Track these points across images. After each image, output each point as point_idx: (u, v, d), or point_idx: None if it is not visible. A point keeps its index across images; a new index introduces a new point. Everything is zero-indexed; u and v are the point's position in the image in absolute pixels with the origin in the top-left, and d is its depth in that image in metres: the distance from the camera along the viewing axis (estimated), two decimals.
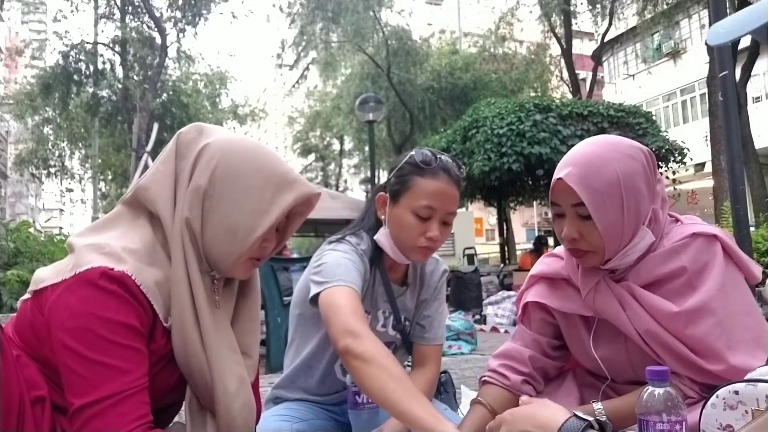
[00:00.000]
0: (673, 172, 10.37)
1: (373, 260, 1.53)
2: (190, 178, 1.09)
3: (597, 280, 1.32)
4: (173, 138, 1.14)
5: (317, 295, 1.35)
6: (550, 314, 1.45)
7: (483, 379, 1.46)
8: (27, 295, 1.07)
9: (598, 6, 16.66)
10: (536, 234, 12.94)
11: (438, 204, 1.43)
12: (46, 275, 1.04)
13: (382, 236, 1.50)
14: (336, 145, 27.86)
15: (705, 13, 17.25)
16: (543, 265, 1.48)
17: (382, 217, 1.51)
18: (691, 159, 11.03)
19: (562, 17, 16.53)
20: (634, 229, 1.24)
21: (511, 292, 7.24)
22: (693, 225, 1.31)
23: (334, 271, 1.37)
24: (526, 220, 32.96)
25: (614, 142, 1.27)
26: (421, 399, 1.13)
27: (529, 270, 1.47)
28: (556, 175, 1.26)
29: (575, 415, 0.99)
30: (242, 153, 1.10)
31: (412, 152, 1.49)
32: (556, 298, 1.41)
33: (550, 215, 1.40)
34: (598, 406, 1.30)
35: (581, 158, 1.24)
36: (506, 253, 14.31)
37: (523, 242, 24.70)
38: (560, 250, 1.45)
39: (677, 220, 1.36)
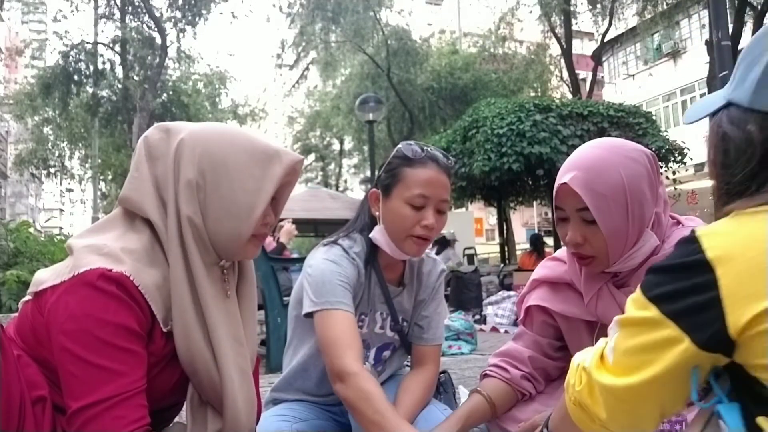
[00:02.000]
0: (673, 172, 10.36)
1: (368, 261, 1.52)
2: (175, 176, 1.09)
3: (599, 287, 1.32)
4: (140, 143, 1.15)
5: (311, 313, 1.41)
6: (552, 317, 1.45)
7: (483, 373, 1.48)
8: (27, 297, 1.07)
9: (598, 6, 16.65)
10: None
11: (430, 191, 1.44)
12: (45, 277, 1.04)
13: (377, 233, 1.50)
14: (336, 145, 27.83)
15: (705, 13, 17.25)
16: (545, 268, 1.48)
17: (376, 213, 1.51)
18: (691, 159, 11.02)
19: (562, 17, 16.51)
20: (638, 233, 1.24)
21: (511, 292, 7.23)
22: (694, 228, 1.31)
23: (322, 289, 1.40)
24: (526, 220, 32.94)
25: (618, 145, 1.27)
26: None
27: (528, 270, 1.47)
28: (559, 180, 1.25)
29: None
30: (220, 138, 1.11)
31: (399, 146, 1.51)
32: (558, 302, 1.41)
33: (550, 215, 1.40)
34: None
35: (585, 162, 1.23)
36: (506, 253, 14.29)
37: (523, 242, 24.67)
38: (562, 253, 1.45)
39: (678, 222, 1.36)
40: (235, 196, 1.08)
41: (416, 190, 1.43)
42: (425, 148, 1.48)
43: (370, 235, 1.51)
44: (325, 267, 1.44)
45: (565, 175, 1.24)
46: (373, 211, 1.52)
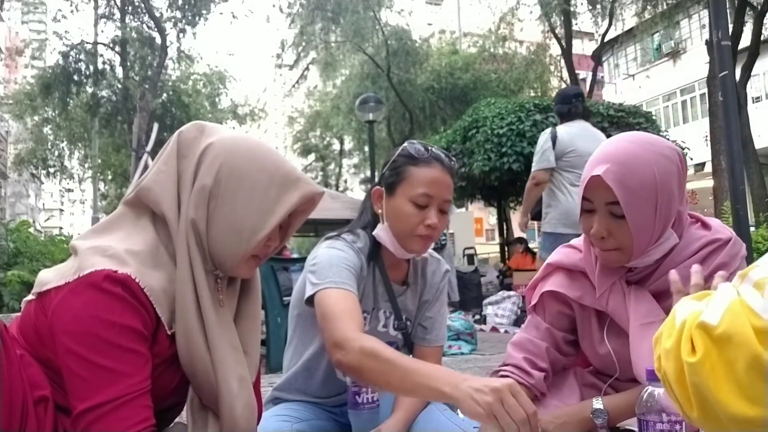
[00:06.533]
0: None
1: (371, 258, 1.53)
2: (194, 177, 1.08)
3: (613, 281, 1.32)
4: (173, 137, 1.14)
5: (312, 296, 1.37)
6: (568, 306, 1.43)
7: (503, 373, 1.41)
8: (31, 297, 1.07)
9: (598, 6, 16.65)
10: (535, 234, 12.82)
11: (434, 191, 1.45)
12: (49, 277, 1.04)
13: (380, 231, 1.50)
14: (336, 145, 27.82)
15: (705, 13, 17.25)
16: (560, 255, 1.45)
17: (379, 211, 1.51)
18: (691, 159, 11.06)
19: (562, 17, 16.49)
20: (662, 231, 1.24)
21: (511, 292, 7.23)
22: (714, 232, 1.30)
23: (326, 272, 1.38)
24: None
25: (652, 141, 1.26)
26: (421, 372, 1.12)
27: (526, 270, 1.46)
28: (591, 171, 1.23)
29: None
30: (246, 152, 1.10)
31: (404, 145, 1.52)
32: (574, 289, 1.39)
33: None
34: (598, 401, 1.31)
35: (619, 156, 1.22)
36: (506, 253, 14.29)
37: None
38: (578, 242, 1.44)
39: (697, 221, 1.35)
40: (244, 213, 1.08)
41: (420, 189, 1.44)
42: (430, 148, 1.49)
43: (374, 233, 1.51)
44: (332, 253, 1.44)
45: (597, 167, 1.22)
46: (376, 208, 1.53)
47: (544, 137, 3.94)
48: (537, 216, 4.19)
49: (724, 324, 0.63)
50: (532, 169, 4.00)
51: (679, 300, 0.92)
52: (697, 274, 1.00)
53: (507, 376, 1.39)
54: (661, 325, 0.78)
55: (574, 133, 3.89)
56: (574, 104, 4.01)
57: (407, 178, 1.46)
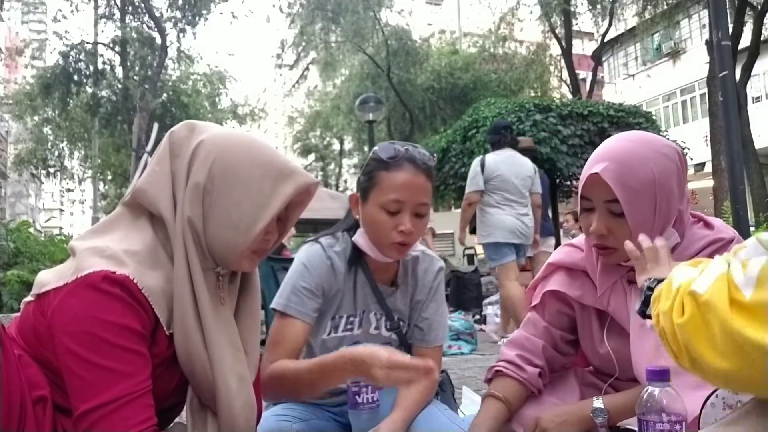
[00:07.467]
0: None
1: (352, 261, 1.52)
2: (187, 176, 1.08)
3: (614, 281, 1.32)
4: (165, 137, 1.14)
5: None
6: (568, 305, 1.43)
7: (496, 369, 1.42)
8: (30, 298, 1.07)
9: (599, 6, 16.66)
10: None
11: (405, 196, 1.40)
12: (48, 278, 1.03)
13: (359, 236, 1.49)
14: (336, 145, 27.84)
15: (705, 13, 17.25)
16: (562, 254, 1.45)
17: (357, 217, 1.50)
18: (691, 159, 11.05)
19: (562, 17, 16.51)
20: (662, 229, 1.24)
21: None
22: (717, 231, 1.30)
23: (283, 290, 1.49)
24: None
25: (651, 139, 1.26)
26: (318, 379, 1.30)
27: (525, 270, 1.46)
28: (589, 169, 1.24)
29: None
30: (238, 147, 1.10)
31: (376, 147, 1.49)
32: (575, 288, 1.40)
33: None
34: (598, 400, 1.31)
35: (618, 154, 1.22)
36: None
37: None
38: (578, 241, 1.44)
39: (699, 220, 1.35)
40: (239, 208, 1.08)
41: (391, 195, 1.40)
42: (403, 148, 1.44)
43: (353, 239, 1.50)
44: (295, 269, 1.50)
45: (596, 165, 1.22)
46: (354, 214, 1.51)
47: (475, 164, 4.63)
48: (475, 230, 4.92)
49: (708, 293, 0.76)
50: (465, 192, 4.67)
51: (639, 265, 1.17)
52: (645, 240, 1.17)
53: (500, 371, 1.41)
54: (660, 285, 0.91)
55: (500, 160, 4.58)
56: (503, 135, 4.69)
57: (378, 184, 1.42)
